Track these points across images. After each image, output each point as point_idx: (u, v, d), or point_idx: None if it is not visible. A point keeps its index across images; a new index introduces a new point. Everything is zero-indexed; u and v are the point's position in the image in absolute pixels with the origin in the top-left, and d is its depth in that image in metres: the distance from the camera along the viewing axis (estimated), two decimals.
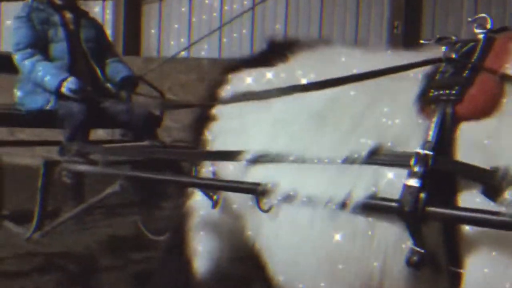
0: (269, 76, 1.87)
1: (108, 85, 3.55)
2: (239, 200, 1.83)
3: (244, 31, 8.47)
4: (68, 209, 2.86)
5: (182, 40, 8.77)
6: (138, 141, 3.27)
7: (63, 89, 3.21)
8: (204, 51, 8.59)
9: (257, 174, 1.71)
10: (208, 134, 2.00)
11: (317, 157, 1.54)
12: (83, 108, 3.14)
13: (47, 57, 3.42)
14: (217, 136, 1.96)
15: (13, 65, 3.44)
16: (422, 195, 1.25)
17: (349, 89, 1.58)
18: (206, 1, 8.65)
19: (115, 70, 3.68)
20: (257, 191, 1.64)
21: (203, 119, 2.04)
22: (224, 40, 8.58)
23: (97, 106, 3.25)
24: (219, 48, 8.62)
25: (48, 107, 3.30)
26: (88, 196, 3.01)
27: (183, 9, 8.79)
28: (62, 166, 2.55)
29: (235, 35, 8.52)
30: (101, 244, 3.73)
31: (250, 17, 8.39)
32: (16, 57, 3.39)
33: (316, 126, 1.61)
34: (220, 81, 2.07)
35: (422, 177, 1.27)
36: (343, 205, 1.42)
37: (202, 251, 2.04)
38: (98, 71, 3.56)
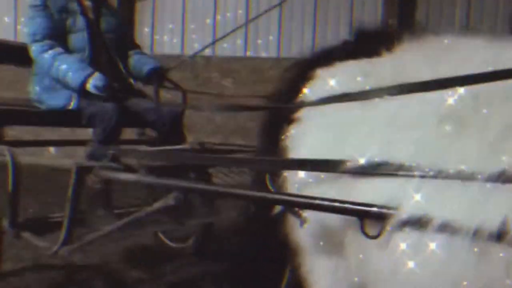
0: (372, 69, 1.50)
1: (131, 79, 3.10)
2: (333, 217, 1.44)
3: (238, 29, 8.12)
4: (96, 219, 2.43)
5: (175, 37, 8.41)
6: (165, 142, 2.88)
7: (88, 86, 2.78)
8: (199, 48, 8.25)
9: (364, 190, 1.32)
10: (287, 136, 1.61)
11: (459, 171, 1.17)
12: (116, 107, 2.70)
13: (66, 49, 2.95)
14: (301, 138, 1.56)
15: (26, 57, 2.98)
16: None
17: (491, 86, 1.22)
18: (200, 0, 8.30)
19: (140, 62, 3.21)
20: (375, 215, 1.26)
21: (281, 117, 1.64)
22: (218, 38, 8.23)
23: (123, 104, 2.83)
24: (213, 46, 8.26)
25: (71, 107, 2.86)
26: (116, 203, 2.59)
27: (176, 6, 8.41)
28: (97, 173, 2.11)
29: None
30: (123, 256, 3.28)
31: (244, 15, 8.08)
32: (33, 49, 2.91)
33: (453, 130, 1.23)
34: (303, 77, 1.66)
35: None
36: (500, 236, 1.06)
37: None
38: (120, 64, 3.09)
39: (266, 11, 3.89)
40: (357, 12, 7.81)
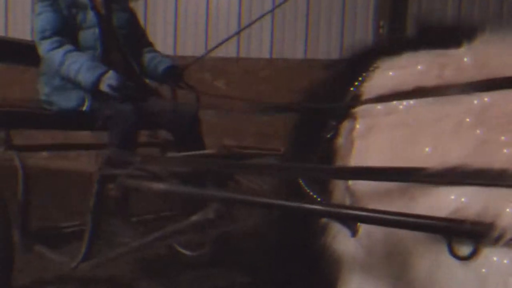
0: (449, 61, 1.29)
1: (146, 79, 2.86)
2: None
3: (231, 30, 7.95)
4: (117, 230, 2.19)
5: (167, 38, 8.17)
6: (182, 145, 2.65)
7: (102, 86, 2.52)
8: (191, 49, 8.05)
9: (440, 203, 1.10)
10: (336, 134, 1.39)
11: None
12: (133, 108, 2.47)
13: (76, 46, 2.68)
14: (357, 140, 1.33)
15: (33, 55, 2.71)
16: None
17: None
18: (192, 1, 8.07)
19: (155, 61, 2.97)
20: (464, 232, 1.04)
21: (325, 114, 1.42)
22: (211, 38, 8.03)
23: (139, 104, 2.59)
24: (205, 47, 8.07)
25: (84, 108, 2.60)
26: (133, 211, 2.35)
27: (168, 7, 8.18)
28: (123, 182, 1.86)
29: (222, 34, 7.99)
30: (135, 266, 3.01)
31: (237, 15, 7.89)
32: (42, 47, 2.64)
33: None
34: (356, 69, 1.44)
35: None
36: None
37: None
38: (134, 63, 2.83)
39: (259, 18, 3.69)
40: (349, 13, 7.70)
